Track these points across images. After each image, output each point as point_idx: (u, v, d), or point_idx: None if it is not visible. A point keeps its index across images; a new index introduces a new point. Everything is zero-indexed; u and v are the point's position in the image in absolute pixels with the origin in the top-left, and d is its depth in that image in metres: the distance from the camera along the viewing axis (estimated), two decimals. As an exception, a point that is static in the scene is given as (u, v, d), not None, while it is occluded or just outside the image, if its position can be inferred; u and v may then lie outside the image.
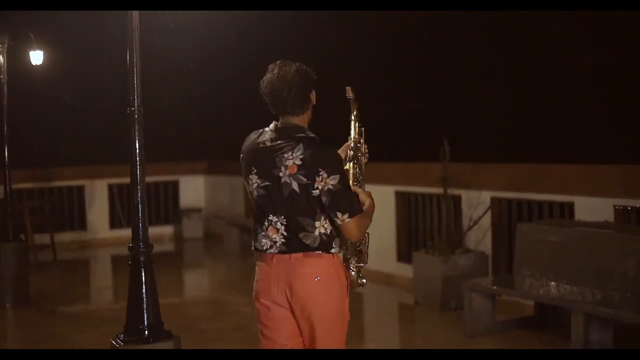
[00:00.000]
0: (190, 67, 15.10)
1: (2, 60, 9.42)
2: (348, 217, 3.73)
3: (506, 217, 8.63)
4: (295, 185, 3.73)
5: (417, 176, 9.78)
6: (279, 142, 3.78)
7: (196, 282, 11.64)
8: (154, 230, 14.57)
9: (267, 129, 3.87)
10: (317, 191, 3.71)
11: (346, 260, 3.99)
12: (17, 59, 9.99)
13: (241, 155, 3.92)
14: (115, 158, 15.49)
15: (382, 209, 10.40)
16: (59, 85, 14.44)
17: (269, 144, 3.80)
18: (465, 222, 8.84)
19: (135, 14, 4.87)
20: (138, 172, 4.83)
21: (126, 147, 4.91)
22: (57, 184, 14.24)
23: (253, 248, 3.91)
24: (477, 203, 8.73)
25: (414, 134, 11.61)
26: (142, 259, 4.81)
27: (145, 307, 4.75)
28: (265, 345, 3.92)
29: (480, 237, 8.71)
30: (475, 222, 8.59)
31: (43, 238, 12.89)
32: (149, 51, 5.30)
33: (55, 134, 15.31)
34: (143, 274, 4.78)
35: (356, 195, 3.85)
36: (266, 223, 3.82)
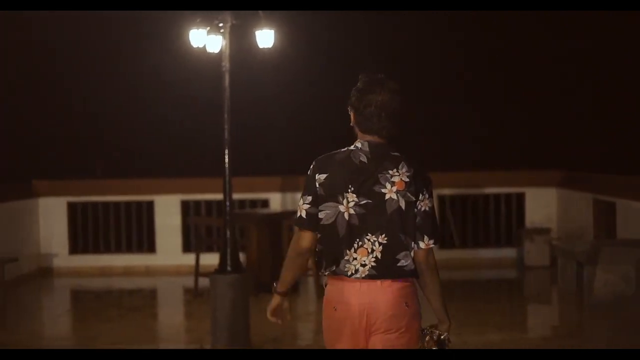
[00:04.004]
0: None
1: (224, 44, 7.46)
2: (433, 243, 3.84)
3: None
4: (402, 202, 3.80)
5: None
6: (378, 159, 3.83)
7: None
8: (491, 253, 12.26)
9: (352, 147, 3.88)
10: (416, 210, 3.81)
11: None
12: (242, 41, 7.90)
13: (321, 175, 3.84)
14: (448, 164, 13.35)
15: None
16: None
17: (366, 161, 3.83)
18: None
19: None
20: None
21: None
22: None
23: (328, 274, 3.83)
24: None
25: None
26: None
27: None
28: None
29: None
30: None
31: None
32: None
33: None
34: None
35: None
36: (356, 245, 3.78)
